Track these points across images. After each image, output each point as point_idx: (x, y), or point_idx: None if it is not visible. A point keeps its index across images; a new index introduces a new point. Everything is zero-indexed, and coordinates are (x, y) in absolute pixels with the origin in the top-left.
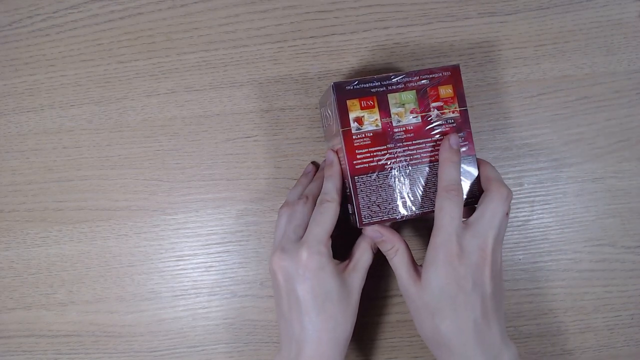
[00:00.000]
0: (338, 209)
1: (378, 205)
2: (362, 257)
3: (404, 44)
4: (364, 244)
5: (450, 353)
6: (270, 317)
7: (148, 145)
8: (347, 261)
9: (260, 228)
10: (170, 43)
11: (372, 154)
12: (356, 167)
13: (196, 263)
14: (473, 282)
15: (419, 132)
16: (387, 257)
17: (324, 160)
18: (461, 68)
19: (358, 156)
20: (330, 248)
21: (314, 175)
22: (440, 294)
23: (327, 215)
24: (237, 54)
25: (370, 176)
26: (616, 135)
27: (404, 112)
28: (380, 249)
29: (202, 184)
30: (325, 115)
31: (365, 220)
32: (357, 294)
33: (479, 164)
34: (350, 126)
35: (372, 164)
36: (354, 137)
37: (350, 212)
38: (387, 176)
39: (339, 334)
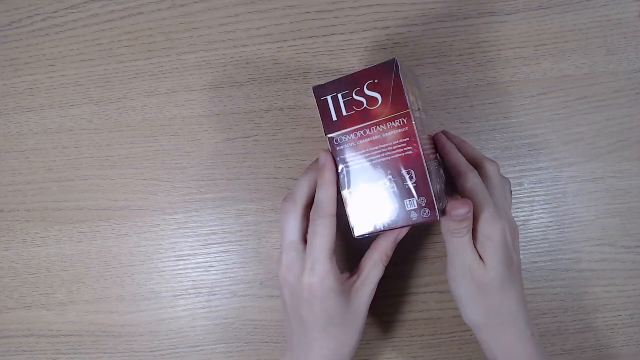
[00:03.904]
0: (334, 223)
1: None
2: (372, 272)
3: (404, 44)
4: (375, 257)
5: (507, 330)
6: (270, 317)
7: (148, 145)
8: (355, 277)
9: (260, 228)
10: (170, 43)
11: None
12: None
13: (196, 263)
14: (516, 254)
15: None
16: (449, 236)
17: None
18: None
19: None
20: (335, 268)
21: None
22: (503, 270)
23: (322, 237)
24: (237, 54)
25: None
26: (616, 135)
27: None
28: (450, 228)
29: (202, 184)
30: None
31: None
32: (364, 312)
33: (459, 147)
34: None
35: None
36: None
37: (424, 204)
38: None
39: (343, 349)
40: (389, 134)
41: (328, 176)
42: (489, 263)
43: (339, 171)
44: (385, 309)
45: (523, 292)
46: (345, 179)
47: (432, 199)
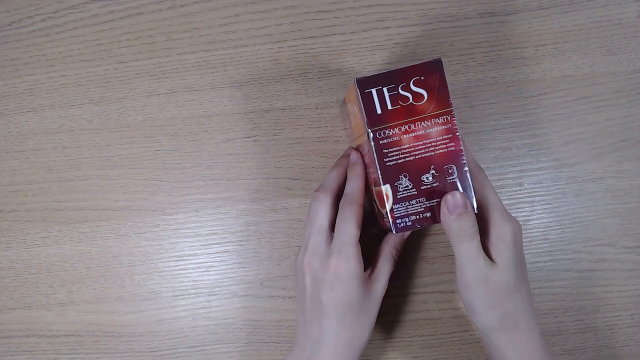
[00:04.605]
0: (361, 212)
1: None
2: (384, 265)
3: (404, 44)
4: (387, 251)
5: (521, 331)
6: (270, 317)
7: (148, 145)
8: (369, 269)
9: (260, 228)
10: (170, 43)
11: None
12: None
13: (196, 263)
14: (523, 252)
15: None
16: (457, 242)
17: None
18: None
19: None
20: (360, 254)
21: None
22: (516, 271)
23: (350, 222)
24: (237, 54)
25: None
26: (616, 135)
27: None
28: (454, 230)
29: (202, 184)
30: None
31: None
32: (378, 304)
33: None
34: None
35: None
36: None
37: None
38: None
39: (355, 342)
40: (433, 129)
41: (359, 171)
42: (503, 266)
43: (380, 165)
44: (385, 309)
45: (531, 291)
46: (388, 173)
47: (472, 193)
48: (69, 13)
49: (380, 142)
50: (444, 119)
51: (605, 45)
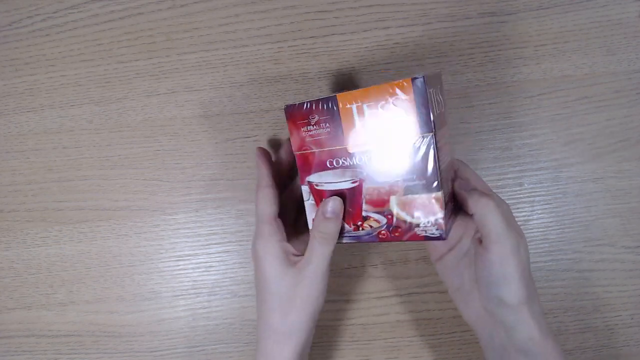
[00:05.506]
0: (273, 192)
1: None
2: (313, 246)
3: (404, 44)
4: (313, 233)
5: (536, 302)
6: None
7: (148, 145)
8: (302, 255)
9: None
10: (170, 43)
11: None
12: None
13: (196, 263)
14: None
15: None
16: (495, 214)
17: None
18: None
19: None
20: (277, 232)
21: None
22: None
23: (262, 203)
24: (237, 54)
25: None
26: (616, 135)
27: None
28: (495, 202)
29: (202, 184)
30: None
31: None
32: (312, 284)
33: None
34: None
35: None
36: None
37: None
38: None
39: (283, 329)
40: (447, 136)
41: (262, 159)
42: (523, 236)
43: (439, 171)
44: (386, 309)
45: None
46: (442, 179)
47: None
48: (69, 13)
49: (437, 145)
50: (447, 128)
51: (605, 45)
